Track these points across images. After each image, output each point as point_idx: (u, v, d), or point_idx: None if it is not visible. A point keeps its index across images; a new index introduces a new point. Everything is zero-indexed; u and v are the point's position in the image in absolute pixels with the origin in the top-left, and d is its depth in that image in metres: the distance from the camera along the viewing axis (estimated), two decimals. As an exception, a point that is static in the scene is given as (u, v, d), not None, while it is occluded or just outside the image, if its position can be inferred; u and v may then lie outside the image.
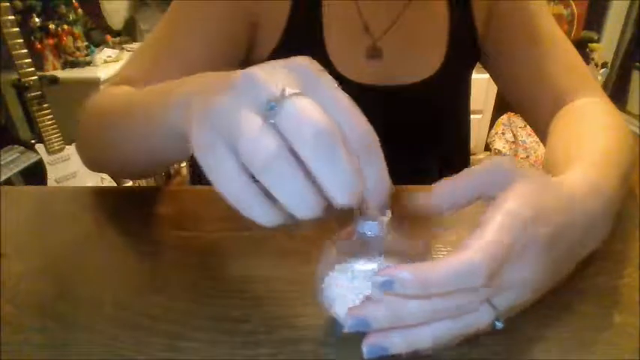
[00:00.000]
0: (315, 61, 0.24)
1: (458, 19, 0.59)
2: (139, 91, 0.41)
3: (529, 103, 0.58)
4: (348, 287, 0.28)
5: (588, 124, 0.45)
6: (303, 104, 0.21)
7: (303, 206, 0.22)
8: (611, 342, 0.30)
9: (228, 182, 0.23)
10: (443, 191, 0.30)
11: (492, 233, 0.24)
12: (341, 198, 0.22)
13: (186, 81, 0.32)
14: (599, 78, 3.13)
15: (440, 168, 0.66)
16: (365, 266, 0.28)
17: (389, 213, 0.27)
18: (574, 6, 2.47)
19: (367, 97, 0.57)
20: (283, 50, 0.55)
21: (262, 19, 0.54)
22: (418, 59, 0.59)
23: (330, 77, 0.23)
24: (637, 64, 3.21)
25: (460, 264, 0.23)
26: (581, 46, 2.68)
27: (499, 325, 0.26)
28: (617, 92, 3.40)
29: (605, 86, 3.37)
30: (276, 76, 0.23)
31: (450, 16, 0.59)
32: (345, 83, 0.55)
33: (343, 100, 0.23)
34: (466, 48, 0.60)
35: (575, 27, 2.52)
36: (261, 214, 0.23)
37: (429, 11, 0.58)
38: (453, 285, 0.23)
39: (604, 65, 3.09)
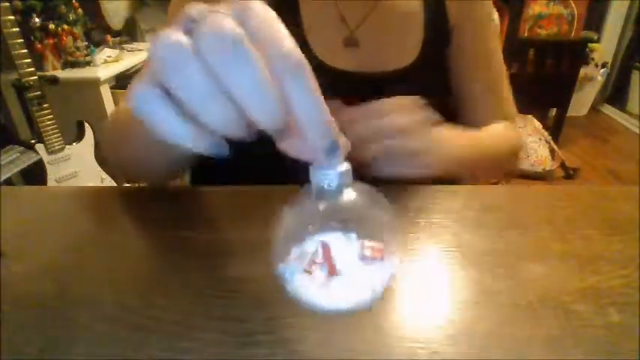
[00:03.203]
0: None
1: (432, 12, 0.62)
2: None
3: (460, 111, 0.67)
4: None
5: (485, 130, 0.61)
6: (214, 18, 0.21)
7: (215, 118, 0.22)
8: (610, 342, 0.30)
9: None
10: None
11: None
12: (256, 110, 0.22)
13: None
14: (599, 78, 3.13)
15: None
16: (329, 237, 0.27)
17: (346, 164, 0.25)
18: (574, 6, 2.47)
19: (348, 83, 0.59)
20: None
21: None
22: (395, 49, 0.61)
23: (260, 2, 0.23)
24: (637, 64, 3.21)
25: None
26: (581, 46, 2.68)
27: None
28: (617, 92, 3.40)
29: (605, 86, 3.38)
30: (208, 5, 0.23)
31: (424, 8, 0.62)
32: (326, 70, 0.58)
33: (269, 20, 0.22)
34: (441, 39, 0.63)
35: (575, 27, 2.51)
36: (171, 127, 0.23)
37: (403, 4, 0.62)
38: None
39: (604, 65, 3.09)
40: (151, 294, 0.34)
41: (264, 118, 0.22)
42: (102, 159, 1.77)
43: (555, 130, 2.70)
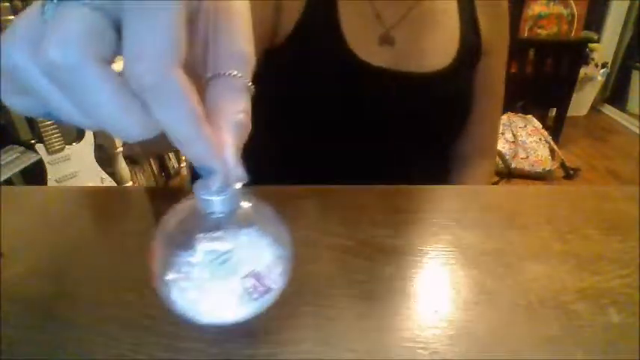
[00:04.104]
0: None
1: (466, 22, 0.63)
2: None
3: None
4: (195, 273, 0.26)
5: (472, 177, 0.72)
6: (67, 10, 0.16)
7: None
8: (610, 342, 0.30)
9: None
10: None
11: None
12: (113, 130, 0.18)
13: None
14: (599, 78, 3.14)
15: (439, 160, 0.70)
16: (212, 245, 0.25)
17: (233, 190, 0.21)
18: (574, 6, 2.47)
19: (382, 80, 0.60)
20: (301, 33, 0.56)
21: (283, 2, 0.55)
22: (430, 51, 0.62)
23: None
24: (637, 64, 3.21)
25: None
26: (581, 46, 2.68)
27: None
28: (617, 92, 3.40)
29: (605, 86, 3.38)
30: None
31: (460, 16, 0.63)
32: (361, 65, 0.58)
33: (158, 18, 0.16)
34: (473, 49, 0.64)
35: (575, 27, 2.51)
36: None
37: (439, 9, 0.62)
38: None
39: (604, 65, 3.09)
40: (151, 294, 0.34)
41: (125, 136, 0.18)
42: (102, 159, 1.77)
43: (555, 130, 2.70)
